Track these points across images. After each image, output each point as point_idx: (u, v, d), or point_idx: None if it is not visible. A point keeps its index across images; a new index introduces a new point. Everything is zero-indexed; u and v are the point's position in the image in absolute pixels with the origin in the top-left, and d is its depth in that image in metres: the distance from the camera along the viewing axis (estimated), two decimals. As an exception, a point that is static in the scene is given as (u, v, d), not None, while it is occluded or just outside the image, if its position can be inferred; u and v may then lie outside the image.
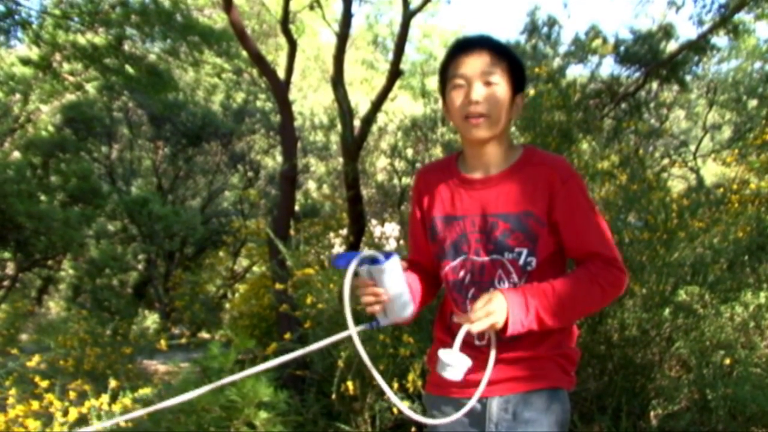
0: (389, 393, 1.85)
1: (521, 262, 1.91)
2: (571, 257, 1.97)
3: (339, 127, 7.13)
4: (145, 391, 4.47)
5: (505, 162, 1.98)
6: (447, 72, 1.99)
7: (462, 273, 1.97)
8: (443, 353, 1.80)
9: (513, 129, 4.94)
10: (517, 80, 1.96)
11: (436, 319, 2.14)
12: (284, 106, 7.08)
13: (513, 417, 1.89)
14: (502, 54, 1.94)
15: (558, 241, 1.94)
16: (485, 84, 1.91)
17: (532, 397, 1.90)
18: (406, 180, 8.10)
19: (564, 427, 1.95)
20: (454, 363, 1.79)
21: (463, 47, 1.96)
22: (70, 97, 13.71)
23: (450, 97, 1.97)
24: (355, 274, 1.84)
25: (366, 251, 1.86)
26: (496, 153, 1.98)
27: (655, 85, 9.51)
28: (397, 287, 1.87)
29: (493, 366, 1.89)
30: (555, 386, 1.93)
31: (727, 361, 4.27)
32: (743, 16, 8.47)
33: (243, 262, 15.39)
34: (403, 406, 1.88)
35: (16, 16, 10.40)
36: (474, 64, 1.92)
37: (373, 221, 7.24)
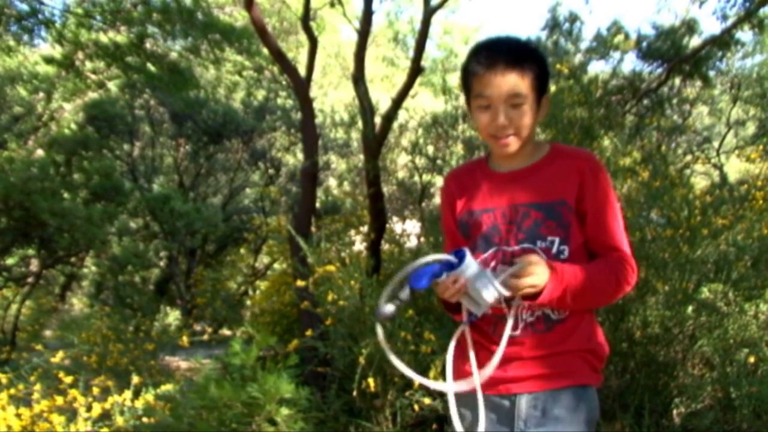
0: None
1: (554, 250, 1.91)
2: (590, 248, 1.97)
3: (360, 124, 7.12)
4: (167, 387, 4.51)
5: (533, 156, 2.00)
6: (470, 83, 1.94)
7: (493, 264, 1.96)
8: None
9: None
10: (543, 84, 1.93)
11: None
12: (305, 103, 7.07)
13: (542, 414, 1.90)
14: (527, 64, 1.88)
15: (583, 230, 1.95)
16: (512, 106, 1.88)
17: (561, 394, 1.90)
18: (427, 177, 8.08)
19: (592, 425, 1.95)
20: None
21: (487, 64, 1.88)
22: (92, 95, 13.81)
23: (475, 115, 1.95)
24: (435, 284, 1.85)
25: (429, 258, 1.83)
26: (525, 151, 1.99)
27: (677, 80, 9.44)
28: (479, 278, 1.80)
29: (521, 362, 1.92)
30: (583, 384, 1.94)
31: (752, 360, 4.22)
32: (768, 11, 8.37)
33: (264, 259, 15.41)
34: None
35: (40, 16, 10.52)
36: (499, 86, 1.86)
37: (394, 218, 7.22)
